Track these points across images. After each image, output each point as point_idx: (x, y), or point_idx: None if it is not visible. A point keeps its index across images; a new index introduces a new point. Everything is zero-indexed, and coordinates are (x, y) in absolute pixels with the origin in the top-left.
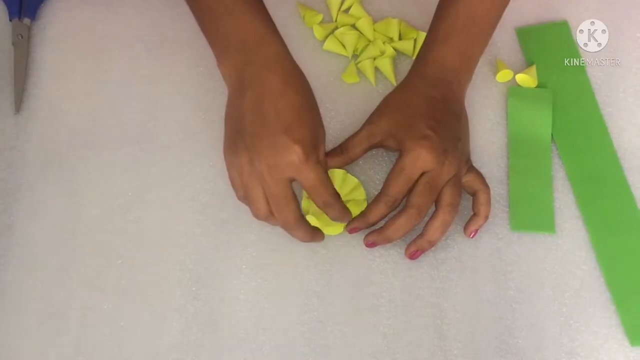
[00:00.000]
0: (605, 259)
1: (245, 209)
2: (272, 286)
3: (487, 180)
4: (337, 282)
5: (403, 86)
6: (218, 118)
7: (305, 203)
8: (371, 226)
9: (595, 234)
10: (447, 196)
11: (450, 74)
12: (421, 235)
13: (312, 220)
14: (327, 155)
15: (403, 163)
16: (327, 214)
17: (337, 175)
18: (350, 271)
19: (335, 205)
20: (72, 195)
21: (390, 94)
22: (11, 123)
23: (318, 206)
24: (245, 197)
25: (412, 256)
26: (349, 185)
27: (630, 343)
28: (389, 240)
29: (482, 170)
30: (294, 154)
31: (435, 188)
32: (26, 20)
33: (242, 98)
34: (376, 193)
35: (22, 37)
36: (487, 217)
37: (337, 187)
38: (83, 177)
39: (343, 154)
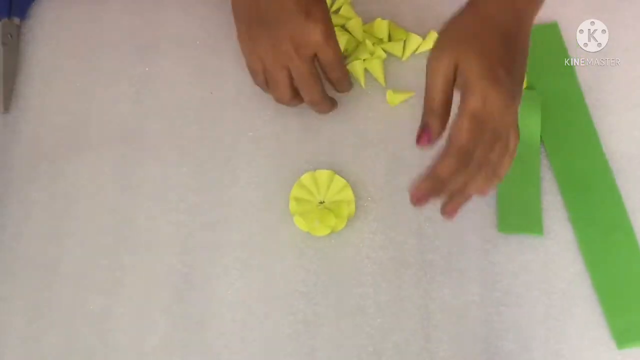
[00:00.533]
0: (592, 262)
1: (233, 208)
2: (259, 287)
3: None
4: (324, 283)
5: (470, 10)
6: (206, 118)
7: (292, 205)
8: (442, 185)
9: (583, 236)
10: (495, 154)
11: None
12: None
13: (300, 222)
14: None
15: (473, 107)
16: (335, 87)
17: (325, 176)
18: (338, 272)
19: (345, 79)
20: (60, 195)
21: (455, 19)
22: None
23: (329, 80)
24: (267, 82)
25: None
26: (337, 186)
27: (617, 346)
28: (442, 193)
29: None
30: (317, 33)
31: (499, 138)
32: (16, 20)
33: None
34: (365, 194)
35: (11, 36)
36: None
37: (324, 187)
38: (71, 177)
39: (434, 110)
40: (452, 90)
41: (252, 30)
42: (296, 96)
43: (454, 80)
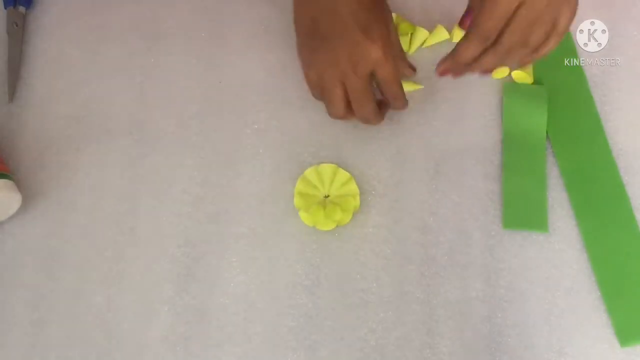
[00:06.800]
0: (597, 259)
1: (237, 201)
2: (261, 280)
3: (479, 178)
4: (327, 276)
5: None
6: (211, 110)
7: (297, 200)
8: (461, 67)
9: (588, 233)
10: (535, 36)
11: None
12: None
13: (305, 217)
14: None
15: None
16: (392, 104)
17: (328, 170)
18: (341, 266)
19: (401, 97)
20: (64, 185)
21: None
22: (4, 112)
23: (386, 97)
24: (322, 96)
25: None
26: (341, 179)
27: (620, 344)
28: (463, 72)
29: (475, 167)
30: (375, 51)
31: (531, 25)
32: (21, 9)
33: (313, 1)
34: (369, 188)
35: (17, 25)
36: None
37: (328, 181)
38: (75, 167)
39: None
40: None
41: (311, 43)
42: (349, 111)
43: None
